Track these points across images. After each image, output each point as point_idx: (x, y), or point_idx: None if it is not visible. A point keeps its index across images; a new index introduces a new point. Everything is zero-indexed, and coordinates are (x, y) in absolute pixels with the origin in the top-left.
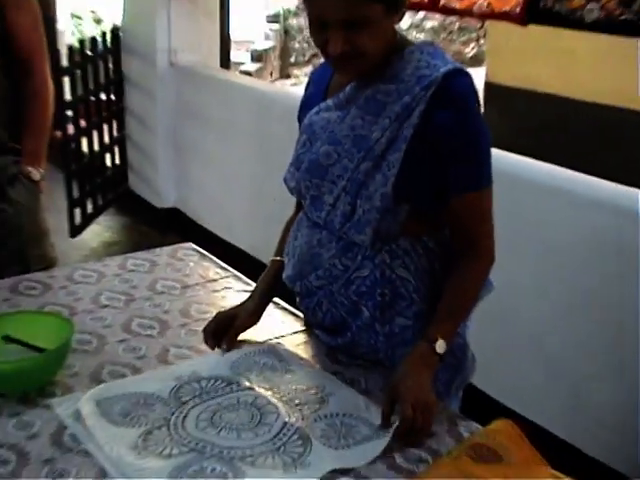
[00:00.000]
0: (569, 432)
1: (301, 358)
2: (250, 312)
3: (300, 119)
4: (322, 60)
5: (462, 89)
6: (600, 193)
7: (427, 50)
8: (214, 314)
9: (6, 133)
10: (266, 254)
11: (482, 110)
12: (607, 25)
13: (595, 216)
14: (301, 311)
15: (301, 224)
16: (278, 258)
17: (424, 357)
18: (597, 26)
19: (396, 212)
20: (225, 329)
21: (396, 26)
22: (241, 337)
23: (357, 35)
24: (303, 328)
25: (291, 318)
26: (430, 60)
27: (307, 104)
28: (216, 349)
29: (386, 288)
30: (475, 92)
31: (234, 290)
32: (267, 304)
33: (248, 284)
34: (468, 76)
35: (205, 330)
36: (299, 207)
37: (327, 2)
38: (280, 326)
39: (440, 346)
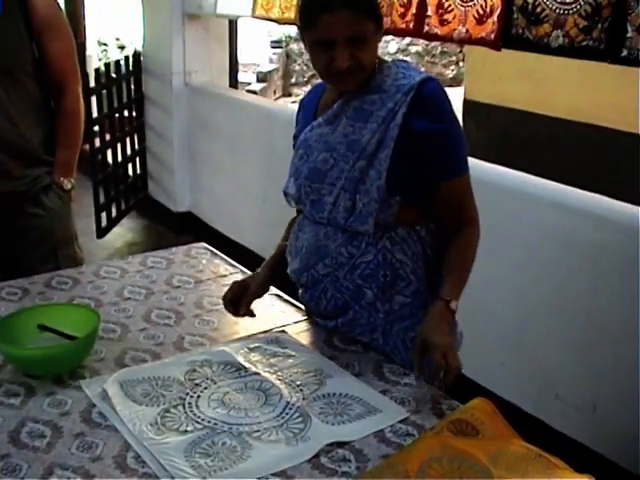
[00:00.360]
0: (535, 407)
1: (301, 345)
2: (259, 283)
3: (295, 139)
4: (315, 82)
5: (434, 94)
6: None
7: (402, 65)
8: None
9: (41, 147)
10: (271, 252)
11: (460, 119)
12: (570, 50)
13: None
14: (303, 303)
15: (302, 225)
16: (284, 243)
17: (443, 314)
18: (561, 51)
19: (390, 203)
20: (240, 297)
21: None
22: (246, 328)
23: (359, 51)
24: (304, 318)
25: (292, 309)
26: (405, 72)
27: (300, 126)
28: (223, 346)
29: (388, 270)
30: (444, 93)
31: None
32: (274, 277)
33: None
34: (437, 81)
35: (224, 299)
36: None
37: (336, 22)
38: (282, 316)
39: (454, 304)
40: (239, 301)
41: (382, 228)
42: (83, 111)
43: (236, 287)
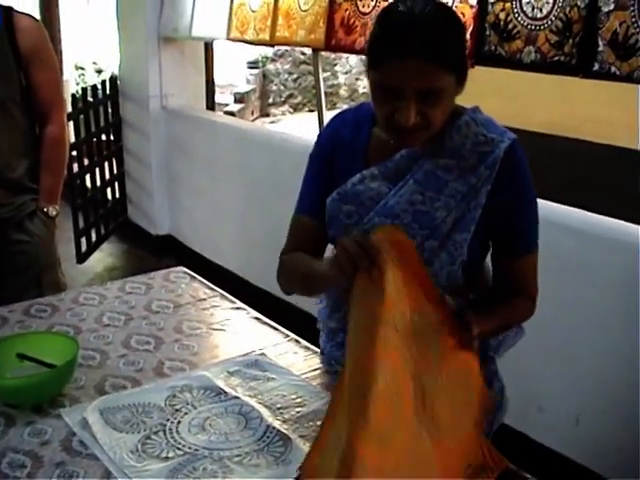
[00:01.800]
0: (519, 420)
1: (281, 367)
2: None
3: (321, 172)
4: (292, 102)
5: (521, 166)
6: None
7: (479, 119)
8: (204, 330)
9: (27, 175)
10: (250, 273)
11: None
12: (543, 65)
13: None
14: (323, 351)
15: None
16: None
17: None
18: (534, 66)
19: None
20: None
21: None
22: (226, 352)
23: (431, 107)
24: (284, 340)
25: (272, 331)
26: (486, 133)
27: (337, 163)
28: (203, 370)
29: None
30: (525, 158)
31: (221, 308)
32: None
33: (233, 302)
34: (519, 144)
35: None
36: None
37: (409, 70)
38: (262, 339)
39: (476, 330)
40: None
41: None
42: (68, 139)
43: None
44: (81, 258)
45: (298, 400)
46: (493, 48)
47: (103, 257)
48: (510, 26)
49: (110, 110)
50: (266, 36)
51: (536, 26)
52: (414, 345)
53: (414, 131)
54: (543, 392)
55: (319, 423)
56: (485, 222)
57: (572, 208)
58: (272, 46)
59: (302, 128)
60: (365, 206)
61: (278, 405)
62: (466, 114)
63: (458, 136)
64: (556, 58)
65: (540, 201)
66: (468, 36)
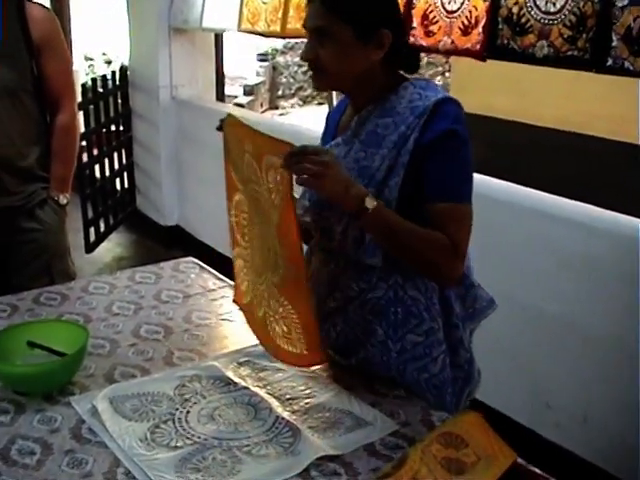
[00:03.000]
0: (527, 418)
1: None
2: None
3: None
4: (301, 95)
5: (450, 115)
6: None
7: (420, 84)
8: (213, 320)
9: (38, 163)
10: None
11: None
12: (556, 60)
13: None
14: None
15: (314, 252)
16: None
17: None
18: (547, 61)
19: None
20: None
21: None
22: (235, 343)
23: (322, 47)
24: None
25: None
26: (422, 92)
27: (322, 143)
28: (212, 360)
29: (399, 307)
30: (461, 115)
31: (230, 299)
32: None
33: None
34: (456, 102)
35: None
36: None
37: (309, 12)
38: None
39: (370, 202)
40: None
41: (393, 262)
42: (79, 127)
43: None
44: (90, 248)
45: (307, 391)
46: (505, 42)
47: (111, 247)
48: (523, 20)
49: (120, 101)
50: (277, 28)
51: (549, 20)
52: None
53: (314, 70)
54: (551, 389)
55: (328, 415)
56: (414, 168)
57: (577, 202)
58: (283, 38)
59: (311, 121)
60: None
61: (287, 396)
62: (408, 81)
63: (396, 97)
64: (569, 53)
65: (549, 195)
66: (480, 30)
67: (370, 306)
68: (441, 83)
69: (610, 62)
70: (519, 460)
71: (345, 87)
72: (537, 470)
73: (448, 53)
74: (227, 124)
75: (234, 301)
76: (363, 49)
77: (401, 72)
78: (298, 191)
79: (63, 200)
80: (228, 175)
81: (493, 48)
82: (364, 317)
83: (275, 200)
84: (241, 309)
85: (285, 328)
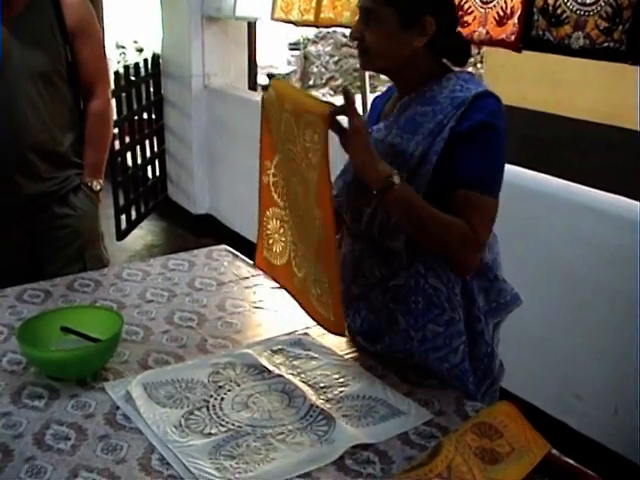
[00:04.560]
0: (557, 409)
1: (324, 347)
2: None
3: None
4: (332, 85)
5: (488, 109)
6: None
7: (463, 77)
8: (246, 308)
9: (72, 149)
10: None
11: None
12: (591, 51)
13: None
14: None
15: (344, 234)
16: None
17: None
18: (582, 52)
19: None
20: None
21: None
22: (269, 331)
23: (368, 29)
24: None
25: None
26: (464, 84)
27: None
28: (246, 348)
29: (420, 296)
30: (500, 109)
31: (264, 286)
32: None
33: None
34: (496, 97)
35: None
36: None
37: None
38: (305, 318)
39: (396, 178)
40: None
41: (416, 250)
42: (112, 113)
43: None
44: (121, 235)
45: (341, 380)
46: (541, 33)
47: (143, 235)
48: (559, 11)
49: (152, 89)
50: (311, 17)
51: (585, 12)
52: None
53: (360, 50)
54: (580, 380)
55: (362, 403)
56: (447, 156)
57: (611, 194)
58: (317, 27)
59: None
60: None
61: (321, 384)
62: (452, 72)
63: (438, 87)
64: (605, 44)
65: (582, 187)
66: (516, 20)
67: (392, 294)
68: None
69: None
70: (553, 451)
71: (388, 70)
72: (571, 461)
73: (483, 43)
74: (273, 85)
75: (256, 265)
76: (406, 35)
77: (447, 62)
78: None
79: (96, 186)
80: (265, 135)
81: (528, 39)
82: (386, 305)
83: (313, 159)
84: (265, 271)
85: (319, 290)
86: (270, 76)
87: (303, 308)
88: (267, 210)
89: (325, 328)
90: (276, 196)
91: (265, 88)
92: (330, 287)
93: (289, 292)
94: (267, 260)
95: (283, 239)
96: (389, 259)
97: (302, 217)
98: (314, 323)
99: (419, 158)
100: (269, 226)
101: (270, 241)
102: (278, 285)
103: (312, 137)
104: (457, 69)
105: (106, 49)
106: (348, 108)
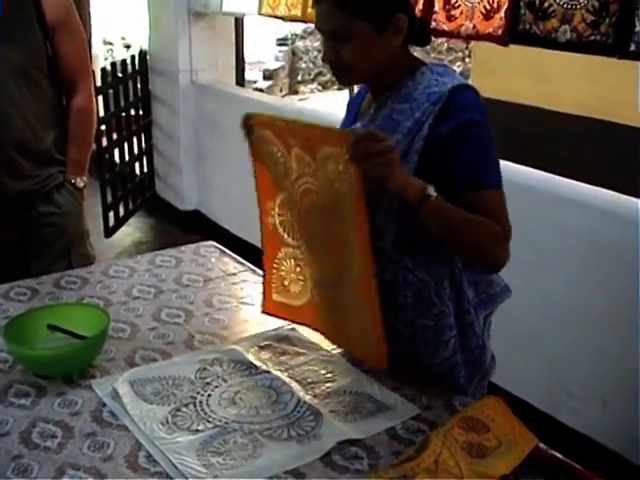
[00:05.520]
0: (546, 403)
1: (312, 343)
2: None
3: None
4: (320, 80)
5: (465, 100)
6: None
7: (437, 70)
8: (234, 304)
9: (54, 146)
10: None
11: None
12: (578, 45)
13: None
14: None
15: None
16: None
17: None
18: (569, 46)
19: (412, 221)
20: None
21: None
22: (256, 326)
23: (342, 48)
24: None
25: None
26: (439, 78)
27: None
28: (233, 344)
29: (408, 291)
30: (479, 102)
31: (251, 282)
32: None
33: (263, 277)
34: (472, 89)
35: None
36: None
37: (320, 14)
38: None
39: (431, 190)
40: None
41: (403, 245)
42: (95, 109)
43: None
44: (109, 232)
45: (329, 375)
46: (528, 27)
47: (130, 231)
48: (545, 5)
49: (139, 85)
50: (298, 12)
51: (572, 5)
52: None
53: (338, 70)
54: (572, 377)
55: (349, 399)
56: (429, 156)
57: (597, 187)
58: (304, 22)
59: (331, 106)
60: None
61: (309, 380)
62: (425, 66)
63: (412, 83)
64: (592, 38)
65: (568, 181)
66: (503, 14)
67: (379, 290)
68: (461, 69)
69: (633, 47)
70: (540, 445)
71: (369, 78)
72: (558, 455)
73: (470, 38)
74: (255, 123)
75: (265, 312)
76: (383, 39)
77: (415, 48)
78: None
79: (80, 183)
80: (261, 176)
81: (515, 33)
82: None
83: (341, 189)
84: (277, 316)
85: (358, 324)
86: (247, 117)
87: (337, 344)
88: (278, 252)
89: (365, 361)
90: (286, 235)
91: (247, 127)
92: (372, 320)
93: (318, 330)
94: (281, 303)
95: (301, 277)
96: (377, 254)
97: (331, 249)
98: None
99: (399, 158)
100: (283, 267)
101: (286, 282)
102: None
103: (336, 168)
104: (429, 61)
105: (89, 44)
106: (372, 132)
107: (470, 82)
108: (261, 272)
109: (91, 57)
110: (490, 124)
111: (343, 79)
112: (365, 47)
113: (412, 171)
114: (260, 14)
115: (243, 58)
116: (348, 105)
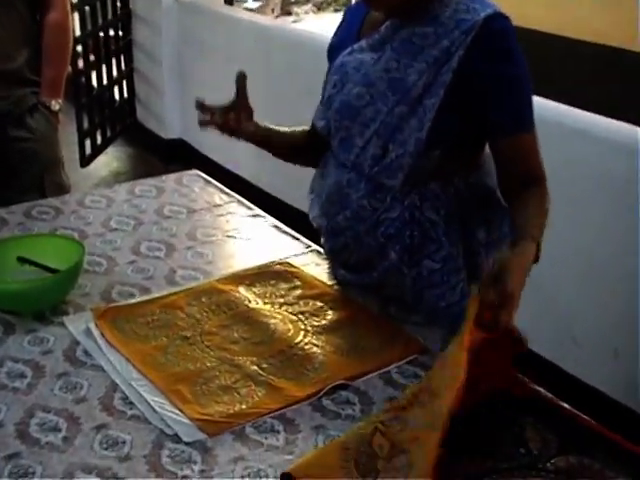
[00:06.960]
0: (552, 352)
1: (304, 277)
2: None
3: (331, 59)
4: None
5: (501, 33)
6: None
7: None
8: (219, 237)
9: (27, 66)
10: (268, 183)
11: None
12: None
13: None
14: (325, 250)
15: (328, 163)
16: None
17: (529, 261)
18: None
19: (429, 157)
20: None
21: None
22: (243, 261)
23: None
24: (306, 250)
25: (292, 241)
26: (470, 4)
27: (339, 45)
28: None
29: (415, 230)
30: (514, 35)
31: (238, 215)
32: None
33: (251, 208)
34: (508, 19)
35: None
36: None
37: None
38: (282, 249)
39: (531, 251)
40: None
41: (413, 182)
42: (71, 25)
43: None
44: (85, 161)
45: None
46: None
47: (108, 161)
48: None
49: (119, 2)
50: None
51: None
52: None
53: None
54: (577, 322)
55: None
56: (458, 90)
57: (618, 121)
58: None
59: (326, 29)
60: (348, 75)
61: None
62: None
63: (439, 6)
64: None
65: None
66: None
67: (383, 228)
68: None
69: None
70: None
71: (399, 4)
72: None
73: None
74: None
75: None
76: None
77: None
78: None
79: (55, 106)
80: None
81: None
82: (377, 239)
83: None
84: None
85: None
86: None
87: None
88: None
89: None
90: None
91: None
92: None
93: None
94: None
95: None
96: (380, 191)
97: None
98: (292, 252)
99: (423, 89)
100: None
101: None
102: None
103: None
104: None
105: None
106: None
107: None
108: (248, 202)
109: None
110: (523, 57)
111: (379, 5)
112: None
113: (436, 106)
114: None
115: None
116: (345, 14)
